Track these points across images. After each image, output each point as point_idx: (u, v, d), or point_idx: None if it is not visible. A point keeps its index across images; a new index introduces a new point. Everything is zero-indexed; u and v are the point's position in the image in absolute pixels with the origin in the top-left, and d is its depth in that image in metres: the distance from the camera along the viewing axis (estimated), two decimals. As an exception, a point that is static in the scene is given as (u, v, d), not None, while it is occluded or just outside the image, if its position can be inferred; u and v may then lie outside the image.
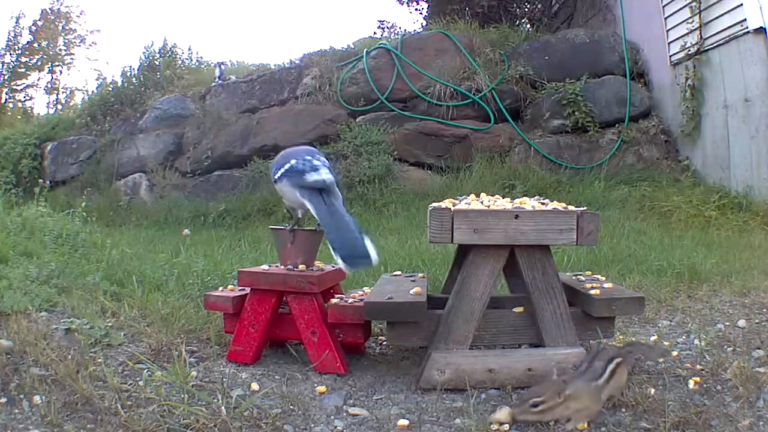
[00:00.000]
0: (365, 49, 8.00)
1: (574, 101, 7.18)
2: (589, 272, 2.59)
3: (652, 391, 1.91)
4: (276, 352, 2.42)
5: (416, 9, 11.78)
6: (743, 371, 1.97)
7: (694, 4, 6.46)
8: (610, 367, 1.77)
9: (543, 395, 1.66)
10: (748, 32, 5.78)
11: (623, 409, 1.82)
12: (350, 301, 2.31)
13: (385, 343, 2.61)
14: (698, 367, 2.16)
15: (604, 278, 2.48)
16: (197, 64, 10.33)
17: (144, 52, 10.11)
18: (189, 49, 10.79)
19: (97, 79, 10.17)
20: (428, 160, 7.29)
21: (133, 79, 9.45)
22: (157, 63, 9.73)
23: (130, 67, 10.05)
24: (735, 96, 6.16)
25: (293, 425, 1.77)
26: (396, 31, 11.05)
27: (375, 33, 11.53)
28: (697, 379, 2.04)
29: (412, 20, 12.00)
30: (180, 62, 10.35)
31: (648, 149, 7.29)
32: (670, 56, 7.17)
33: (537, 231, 2.02)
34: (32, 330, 2.21)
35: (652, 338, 2.56)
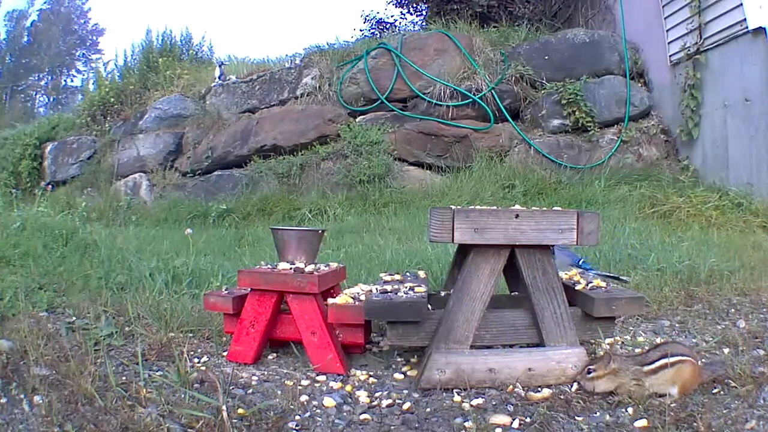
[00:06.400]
0: (365, 49, 8.00)
1: (574, 101, 7.19)
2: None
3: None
4: (276, 352, 2.42)
5: (415, 10, 11.78)
6: (743, 371, 1.97)
7: (693, 4, 6.46)
8: (663, 360, 1.87)
9: (597, 365, 1.93)
10: (748, 32, 5.79)
11: (624, 409, 1.82)
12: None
13: (384, 342, 2.61)
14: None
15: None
16: (195, 61, 10.30)
17: (144, 39, 10.14)
18: (188, 41, 10.72)
19: (96, 81, 10.09)
20: (428, 160, 7.30)
21: (133, 78, 9.44)
22: (155, 54, 9.69)
23: (133, 57, 10.06)
24: (734, 96, 6.16)
25: (293, 425, 1.77)
26: (396, 31, 11.05)
27: (375, 33, 11.53)
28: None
29: (411, 21, 11.93)
30: (180, 53, 10.32)
31: (648, 149, 7.30)
32: (670, 56, 7.17)
33: (537, 230, 2.02)
34: (33, 330, 2.21)
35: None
